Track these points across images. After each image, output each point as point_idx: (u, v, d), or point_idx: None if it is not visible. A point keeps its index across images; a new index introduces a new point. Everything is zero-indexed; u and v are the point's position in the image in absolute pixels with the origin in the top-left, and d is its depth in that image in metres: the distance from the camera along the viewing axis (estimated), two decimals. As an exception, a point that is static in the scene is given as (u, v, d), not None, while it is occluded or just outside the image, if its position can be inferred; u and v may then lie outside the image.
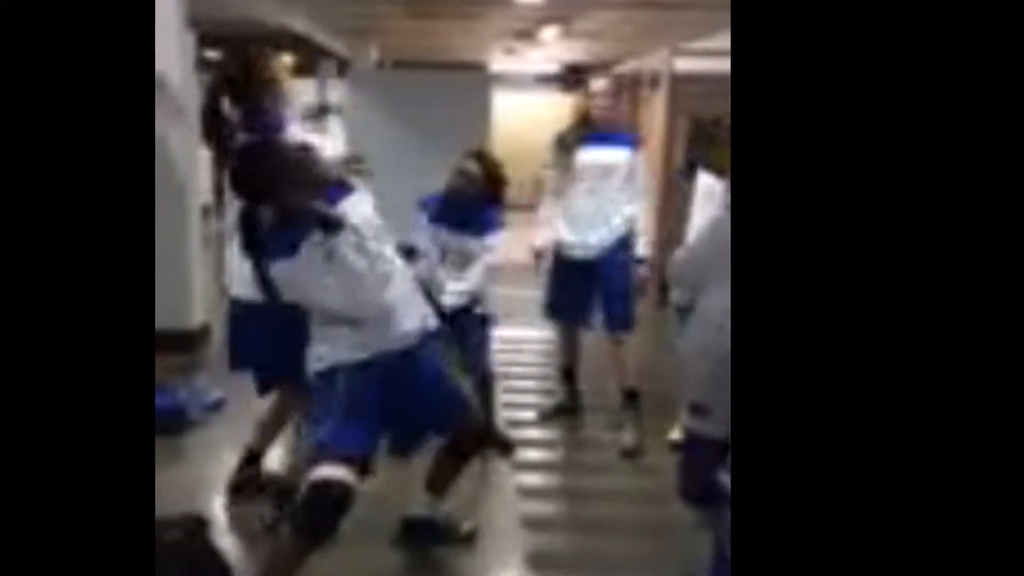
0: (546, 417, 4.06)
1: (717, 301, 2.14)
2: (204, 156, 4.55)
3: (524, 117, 12.34)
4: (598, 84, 3.80)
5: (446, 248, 3.51)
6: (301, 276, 2.19)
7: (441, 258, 3.51)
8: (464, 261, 3.53)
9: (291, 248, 2.16)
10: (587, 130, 3.71)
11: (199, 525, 2.52)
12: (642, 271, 3.73)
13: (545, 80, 12.98)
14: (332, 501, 2.20)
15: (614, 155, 3.68)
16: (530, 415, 4.13)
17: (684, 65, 6.78)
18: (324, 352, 2.36)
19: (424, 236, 3.50)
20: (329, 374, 2.34)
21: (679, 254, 2.45)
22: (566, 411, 4.09)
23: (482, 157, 3.49)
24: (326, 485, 2.19)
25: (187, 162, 4.73)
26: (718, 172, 3.46)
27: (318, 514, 2.22)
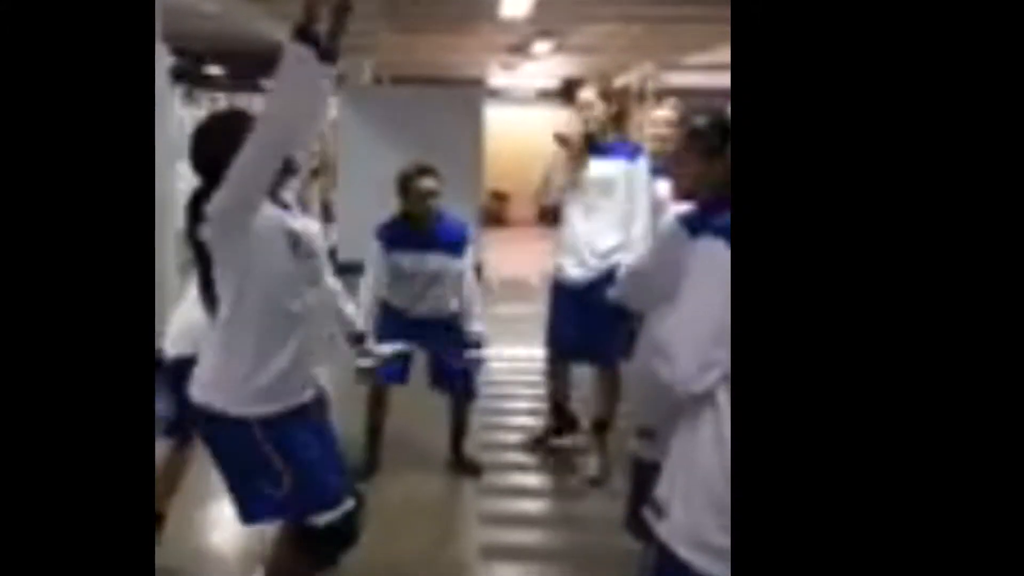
0: (528, 449, 3.85)
1: (658, 324, 2.01)
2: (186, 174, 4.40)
3: (523, 131, 12.24)
4: (586, 93, 3.43)
5: (412, 272, 3.39)
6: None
7: (407, 283, 3.40)
8: (431, 282, 3.42)
9: None
10: (586, 143, 3.38)
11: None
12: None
13: (546, 95, 12.91)
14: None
15: (610, 167, 3.38)
16: (513, 438, 3.97)
17: (677, 79, 6.70)
18: None
19: (378, 263, 3.39)
20: None
21: (623, 274, 2.29)
22: (551, 438, 3.84)
23: (432, 172, 3.38)
24: None
25: (162, 179, 4.64)
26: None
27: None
